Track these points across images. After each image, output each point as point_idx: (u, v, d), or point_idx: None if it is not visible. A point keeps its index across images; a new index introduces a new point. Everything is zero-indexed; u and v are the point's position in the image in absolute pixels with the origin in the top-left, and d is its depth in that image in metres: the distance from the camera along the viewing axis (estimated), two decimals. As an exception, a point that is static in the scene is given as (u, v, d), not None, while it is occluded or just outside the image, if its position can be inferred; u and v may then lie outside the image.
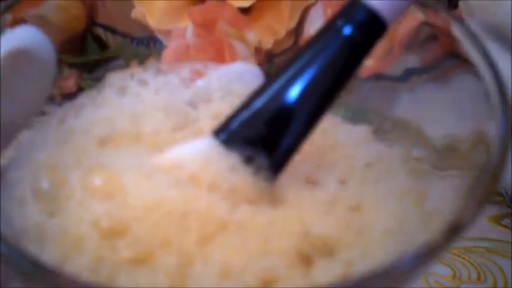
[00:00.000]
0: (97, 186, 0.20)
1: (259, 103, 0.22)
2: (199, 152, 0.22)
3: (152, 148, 0.23)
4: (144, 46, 0.43)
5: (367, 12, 0.22)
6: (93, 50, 0.44)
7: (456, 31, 0.23)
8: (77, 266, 0.18)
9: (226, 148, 0.22)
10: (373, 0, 0.22)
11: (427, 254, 0.17)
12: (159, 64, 0.26)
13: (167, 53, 0.41)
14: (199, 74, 0.26)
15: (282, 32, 0.42)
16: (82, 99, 0.26)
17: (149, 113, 0.25)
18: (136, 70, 0.26)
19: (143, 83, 0.26)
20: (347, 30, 0.22)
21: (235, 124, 0.22)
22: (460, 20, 0.23)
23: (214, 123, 0.23)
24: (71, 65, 0.45)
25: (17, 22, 0.43)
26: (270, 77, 0.23)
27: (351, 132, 0.27)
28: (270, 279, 0.19)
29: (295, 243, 0.20)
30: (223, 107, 0.25)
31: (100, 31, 0.43)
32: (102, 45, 0.44)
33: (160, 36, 0.45)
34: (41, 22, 0.42)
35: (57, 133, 0.24)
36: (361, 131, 0.27)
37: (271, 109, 0.22)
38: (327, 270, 0.20)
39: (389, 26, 0.22)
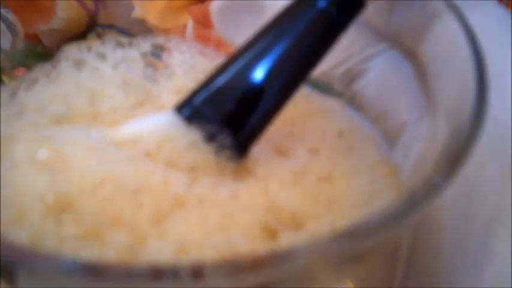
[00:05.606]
0: (41, 158, 0.19)
1: (225, 78, 0.21)
2: (158, 126, 0.21)
3: (111, 127, 0.22)
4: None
5: None
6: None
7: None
8: (19, 239, 0.17)
9: (188, 124, 0.20)
10: None
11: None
12: (119, 37, 0.25)
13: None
14: (161, 48, 0.25)
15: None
16: (35, 73, 0.24)
17: (107, 89, 0.23)
18: (94, 43, 0.25)
19: (101, 56, 0.24)
20: (321, 2, 0.20)
21: (199, 100, 0.21)
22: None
23: (177, 98, 0.22)
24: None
25: (29, 36, 0.43)
26: (239, 49, 0.21)
27: (323, 101, 0.26)
28: (230, 254, 0.18)
29: (260, 217, 0.19)
30: (186, 82, 0.24)
31: (99, 29, 0.43)
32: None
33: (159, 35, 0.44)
34: (50, 33, 0.42)
35: (7, 108, 0.23)
36: (334, 100, 0.26)
37: (238, 85, 0.21)
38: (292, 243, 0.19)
39: (367, 4, 0.21)
